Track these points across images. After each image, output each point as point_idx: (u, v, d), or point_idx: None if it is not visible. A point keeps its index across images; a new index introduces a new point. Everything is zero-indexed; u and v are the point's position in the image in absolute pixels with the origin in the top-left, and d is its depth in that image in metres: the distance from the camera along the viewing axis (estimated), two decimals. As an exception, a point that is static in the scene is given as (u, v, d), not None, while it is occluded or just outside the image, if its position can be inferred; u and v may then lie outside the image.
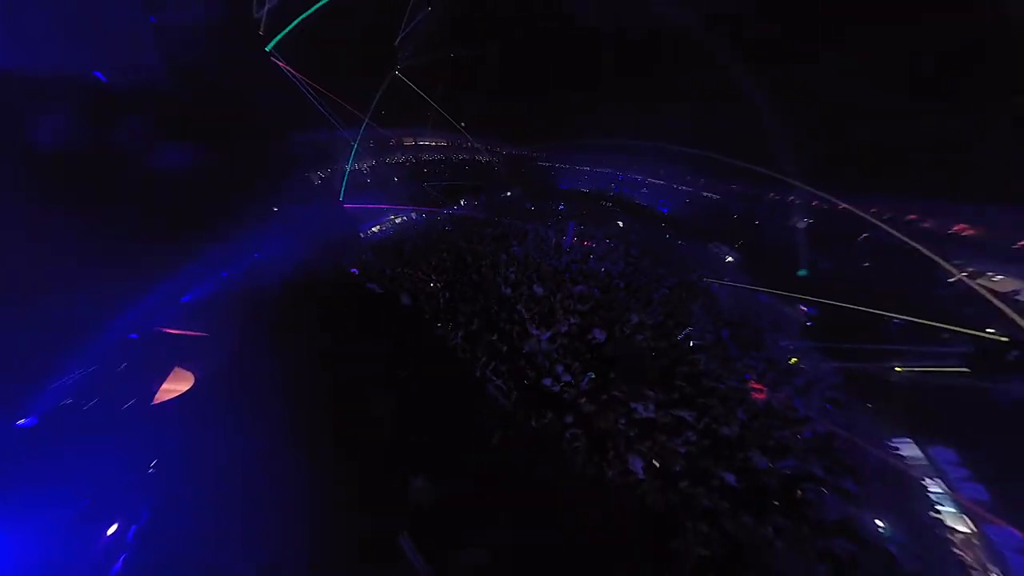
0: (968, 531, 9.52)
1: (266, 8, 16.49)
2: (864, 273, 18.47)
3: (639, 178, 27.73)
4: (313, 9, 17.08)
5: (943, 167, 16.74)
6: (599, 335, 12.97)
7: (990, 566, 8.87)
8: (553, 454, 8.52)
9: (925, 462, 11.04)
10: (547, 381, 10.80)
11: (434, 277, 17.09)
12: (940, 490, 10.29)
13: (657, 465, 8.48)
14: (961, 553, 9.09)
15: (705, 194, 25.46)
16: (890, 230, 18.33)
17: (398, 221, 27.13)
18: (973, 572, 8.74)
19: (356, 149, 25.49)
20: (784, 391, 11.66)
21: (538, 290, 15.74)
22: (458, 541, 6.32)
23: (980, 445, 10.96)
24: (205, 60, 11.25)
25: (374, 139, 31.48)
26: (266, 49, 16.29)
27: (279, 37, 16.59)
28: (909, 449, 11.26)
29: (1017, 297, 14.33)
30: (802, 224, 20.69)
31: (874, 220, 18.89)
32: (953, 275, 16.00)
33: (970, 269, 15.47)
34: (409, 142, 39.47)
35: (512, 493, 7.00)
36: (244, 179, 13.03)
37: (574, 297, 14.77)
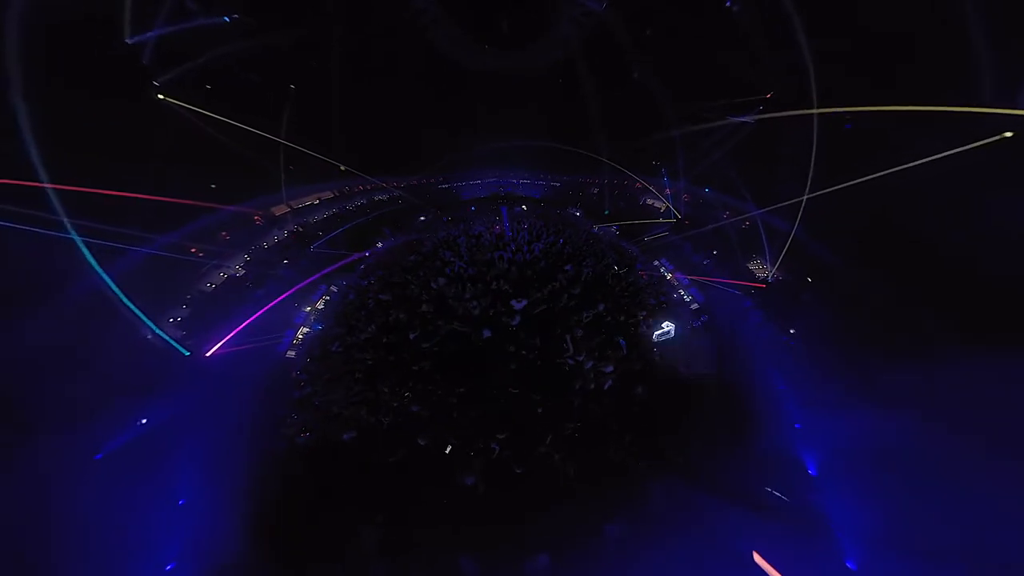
0: (670, 276, 39.37)
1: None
2: (620, 207, 47.78)
3: (515, 180, 49.19)
4: None
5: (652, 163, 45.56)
6: (601, 307, 20.94)
7: (676, 281, 38.79)
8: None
9: (660, 266, 40.59)
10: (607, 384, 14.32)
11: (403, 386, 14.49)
12: (663, 268, 39.98)
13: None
14: (670, 278, 38.83)
15: (554, 183, 50.07)
16: (639, 186, 47.83)
17: (320, 307, 23.90)
18: (675, 284, 38.52)
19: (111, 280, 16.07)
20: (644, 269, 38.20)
21: (518, 305, 16.27)
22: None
23: (677, 256, 41.17)
24: None
25: (223, 227, 26.07)
26: None
27: None
28: (658, 264, 40.59)
29: (660, 207, 45.55)
30: (597, 189, 48.27)
31: (631, 182, 47.98)
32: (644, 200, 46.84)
33: (649, 199, 46.36)
34: (283, 210, 34.20)
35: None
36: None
37: (566, 285, 23.78)
